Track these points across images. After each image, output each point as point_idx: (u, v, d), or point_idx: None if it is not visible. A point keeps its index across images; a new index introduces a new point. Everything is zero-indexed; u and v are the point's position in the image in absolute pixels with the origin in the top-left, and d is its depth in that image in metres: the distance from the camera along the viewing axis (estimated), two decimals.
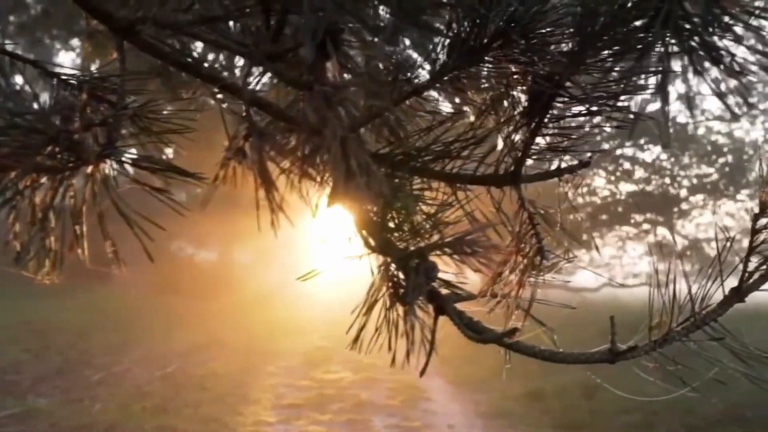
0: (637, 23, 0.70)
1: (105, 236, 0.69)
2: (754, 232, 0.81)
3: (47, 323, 8.45)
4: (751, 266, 0.89)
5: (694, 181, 13.82)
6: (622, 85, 0.68)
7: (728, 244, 0.92)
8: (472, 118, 0.79)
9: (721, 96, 0.66)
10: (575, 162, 0.76)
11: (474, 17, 0.68)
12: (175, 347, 7.90)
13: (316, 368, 7.40)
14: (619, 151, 14.89)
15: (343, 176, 0.49)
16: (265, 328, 10.06)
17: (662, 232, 14.97)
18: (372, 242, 0.65)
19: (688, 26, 0.63)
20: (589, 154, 0.75)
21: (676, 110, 14.62)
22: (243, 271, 15.58)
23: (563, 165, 0.77)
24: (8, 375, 6.17)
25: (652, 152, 14.16)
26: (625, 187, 14.66)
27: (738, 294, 0.82)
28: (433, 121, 0.78)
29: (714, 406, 4.83)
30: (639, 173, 14.67)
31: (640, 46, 0.64)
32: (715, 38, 0.66)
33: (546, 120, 0.74)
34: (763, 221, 0.81)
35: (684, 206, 13.90)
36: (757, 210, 0.86)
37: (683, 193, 13.94)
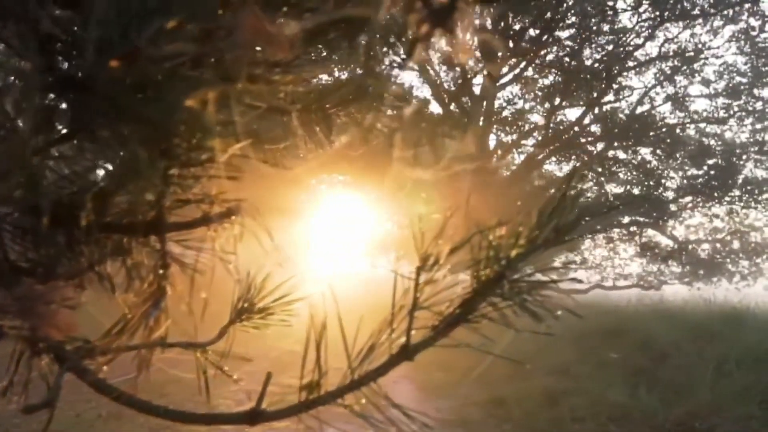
0: None
1: None
2: (417, 286, 0.76)
3: None
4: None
5: (684, 182, 13.71)
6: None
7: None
8: None
9: None
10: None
11: None
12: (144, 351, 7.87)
13: (284, 373, 7.35)
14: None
15: None
16: (240, 332, 10.02)
17: (651, 233, 14.87)
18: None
19: None
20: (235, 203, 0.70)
21: (666, 111, 14.49)
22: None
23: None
24: None
25: (640, 154, 14.03)
26: (613, 189, 14.54)
27: (405, 352, 0.77)
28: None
29: (674, 414, 4.78)
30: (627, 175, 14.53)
31: None
32: None
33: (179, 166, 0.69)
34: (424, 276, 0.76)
35: (672, 207, 13.77)
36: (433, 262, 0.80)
37: (671, 194, 13.81)
